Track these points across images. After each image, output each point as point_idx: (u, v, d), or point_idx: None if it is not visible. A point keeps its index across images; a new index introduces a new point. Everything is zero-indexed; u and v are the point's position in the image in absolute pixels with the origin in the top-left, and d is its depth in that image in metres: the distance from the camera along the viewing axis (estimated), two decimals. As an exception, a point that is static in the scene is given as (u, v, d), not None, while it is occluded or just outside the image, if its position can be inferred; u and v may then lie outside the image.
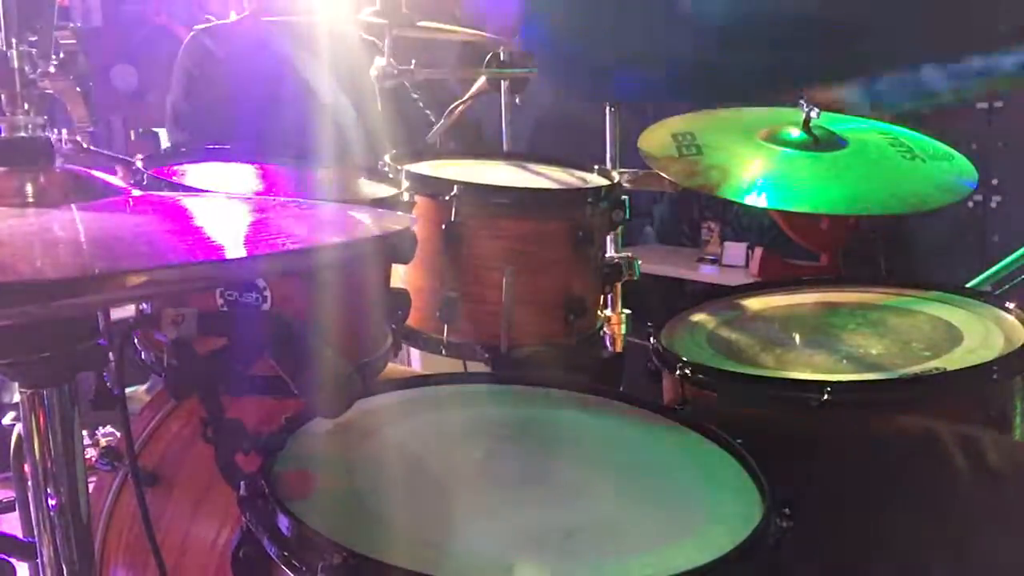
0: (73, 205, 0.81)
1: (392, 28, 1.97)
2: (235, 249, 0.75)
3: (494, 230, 1.54)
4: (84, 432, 0.91)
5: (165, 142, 2.76)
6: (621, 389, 1.38)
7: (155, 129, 4.98)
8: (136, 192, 0.88)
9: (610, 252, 1.79)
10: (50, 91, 0.94)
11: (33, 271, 0.62)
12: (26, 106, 0.84)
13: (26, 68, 0.84)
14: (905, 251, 3.52)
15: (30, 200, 0.81)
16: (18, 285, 0.60)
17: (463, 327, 1.57)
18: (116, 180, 0.87)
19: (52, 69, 0.93)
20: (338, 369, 0.94)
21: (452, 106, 2.33)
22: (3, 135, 0.84)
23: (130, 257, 0.67)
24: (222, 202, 1.03)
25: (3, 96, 0.84)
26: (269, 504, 0.89)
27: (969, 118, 3.39)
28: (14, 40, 0.83)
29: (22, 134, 0.84)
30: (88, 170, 0.85)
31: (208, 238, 0.79)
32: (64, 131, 0.83)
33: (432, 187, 1.54)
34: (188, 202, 0.94)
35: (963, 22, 2.60)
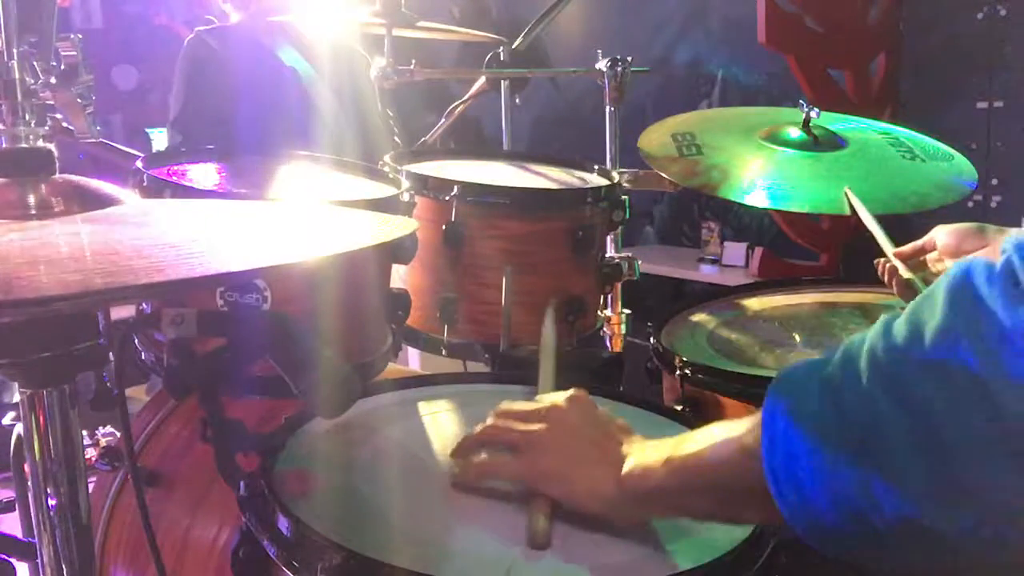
0: (76, 216, 0.80)
1: (392, 28, 1.97)
2: (235, 256, 0.75)
3: (494, 230, 1.54)
4: (84, 432, 0.90)
5: (156, 142, 2.76)
6: (621, 389, 1.38)
7: (147, 129, 4.99)
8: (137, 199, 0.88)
9: (610, 252, 1.79)
10: (51, 102, 0.94)
11: (34, 287, 0.61)
12: (27, 117, 0.84)
13: (27, 78, 0.84)
14: (905, 251, 3.51)
15: (32, 212, 0.80)
16: (19, 302, 0.60)
17: (463, 327, 1.57)
18: (118, 189, 0.86)
19: (53, 80, 0.93)
20: (338, 370, 0.94)
21: (452, 106, 2.33)
22: (4, 146, 0.84)
23: (132, 272, 0.66)
24: (217, 204, 1.03)
25: (3, 107, 0.83)
26: (269, 504, 0.89)
27: (969, 118, 3.39)
28: (15, 50, 0.83)
29: (23, 145, 0.84)
30: (89, 180, 0.84)
31: (208, 242, 0.79)
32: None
33: (432, 187, 1.54)
34: (188, 206, 0.94)
35: None
